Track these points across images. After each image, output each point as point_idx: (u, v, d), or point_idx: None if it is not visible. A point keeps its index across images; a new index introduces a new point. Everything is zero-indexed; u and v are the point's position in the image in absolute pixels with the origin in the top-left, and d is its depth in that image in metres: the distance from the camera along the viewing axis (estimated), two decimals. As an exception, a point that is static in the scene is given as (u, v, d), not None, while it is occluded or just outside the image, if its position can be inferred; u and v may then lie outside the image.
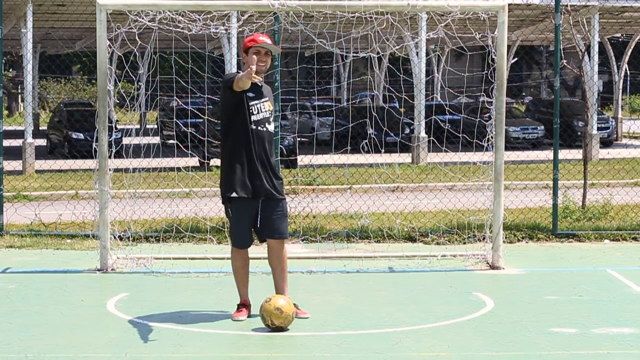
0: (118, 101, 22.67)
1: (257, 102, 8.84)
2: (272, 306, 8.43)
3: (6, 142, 15.99)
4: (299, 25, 12.08)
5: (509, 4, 16.84)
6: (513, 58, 29.00)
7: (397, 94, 14.29)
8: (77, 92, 55.47)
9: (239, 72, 8.82)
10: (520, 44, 42.31)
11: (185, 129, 14.21)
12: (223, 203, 8.95)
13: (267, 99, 8.95)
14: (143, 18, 11.50)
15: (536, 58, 68.14)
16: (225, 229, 13.12)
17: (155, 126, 37.92)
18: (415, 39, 26.72)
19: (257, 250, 12.90)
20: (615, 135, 38.85)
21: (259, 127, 8.81)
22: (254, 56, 8.67)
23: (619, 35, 41.45)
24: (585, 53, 19.28)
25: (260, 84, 8.92)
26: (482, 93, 12.12)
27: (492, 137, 11.72)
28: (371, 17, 11.79)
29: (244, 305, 8.97)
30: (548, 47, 58.73)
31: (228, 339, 8.30)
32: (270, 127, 8.91)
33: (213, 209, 14.88)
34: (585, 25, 17.93)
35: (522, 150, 31.68)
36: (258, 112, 8.83)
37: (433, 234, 13.52)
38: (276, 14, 12.57)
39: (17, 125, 39.67)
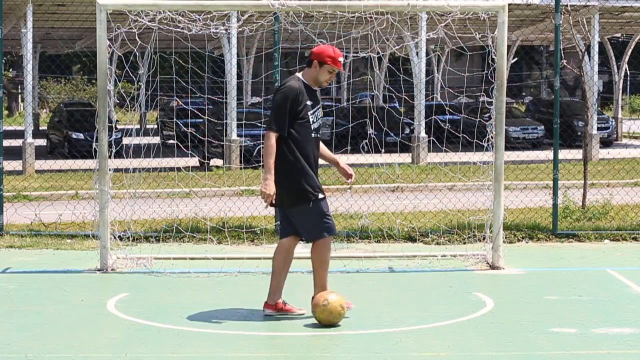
0: (118, 101, 22.68)
1: (314, 109, 8.93)
2: (339, 305, 8.59)
3: (6, 142, 15.99)
4: (299, 25, 12.08)
5: (509, 4, 16.83)
6: (513, 58, 29.06)
7: (397, 94, 14.30)
8: (77, 92, 55.48)
9: (297, 84, 8.85)
10: (520, 44, 42.33)
11: (185, 129, 14.22)
12: (297, 205, 8.88)
13: (320, 105, 9.09)
14: (143, 18, 11.50)
15: (536, 58, 68.16)
16: (226, 229, 13.15)
17: (155, 126, 37.94)
18: (415, 39, 26.73)
19: (257, 251, 12.92)
20: (615, 135, 38.86)
21: (317, 135, 8.99)
22: (268, 200, 8.73)
23: (619, 35, 41.46)
24: (585, 53, 19.28)
25: (315, 89, 9.03)
26: (482, 93, 12.12)
27: (492, 137, 11.72)
28: (371, 17, 11.79)
29: None
30: (548, 47, 58.74)
31: (228, 339, 8.30)
32: (321, 132, 9.12)
33: (213, 209, 14.89)
34: (585, 25, 17.94)
35: (522, 150, 31.68)
36: (315, 120, 8.96)
37: (433, 234, 13.52)
38: (276, 14, 12.57)
39: (17, 125, 39.69)
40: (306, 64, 9.07)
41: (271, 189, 8.70)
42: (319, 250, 8.98)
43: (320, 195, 8.86)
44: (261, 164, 9.32)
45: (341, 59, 9.01)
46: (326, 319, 8.58)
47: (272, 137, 8.76)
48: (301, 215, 8.90)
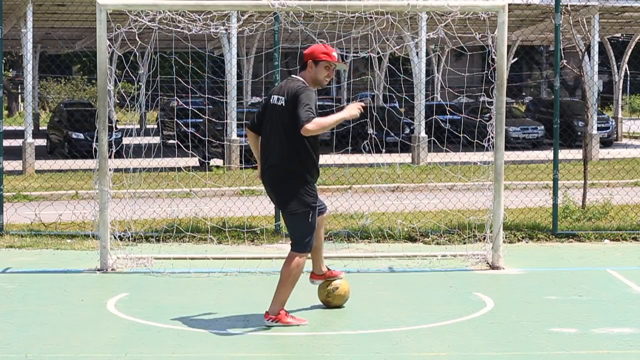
0: (118, 101, 22.69)
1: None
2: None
3: (6, 142, 16.00)
4: (299, 25, 12.08)
5: (509, 4, 16.83)
6: (513, 58, 29.01)
7: (397, 94, 14.30)
8: (77, 92, 55.48)
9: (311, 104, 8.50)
10: (520, 44, 42.32)
11: (186, 129, 14.23)
12: (299, 213, 8.59)
13: None
14: (143, 18, 11.50)
15: (536, 58, 68.15)
16: (226, 229, 13.14)
17: (155, 126, 37.95)
18: (415, 39, 26.73)
19: (258, 251, 12.91)
20: (615, 135, 38.86)
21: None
22: (354, 108, 8.48)
23: (619, 35, 41.44)
24: (585, 53, 19.28)
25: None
26: (482, 93, 12.13)
27: (492, 137, 11.73)
28: (371, 17, 11.79)
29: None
30: (548, 47, 58.74)
31: (228, 339, 8.30)
32: None
33: (213, 209, 14.89)
34: (585, 25, 17.93)
35: (522, 150, 31.68)
36: None
37: (433, 234, 13.52)
38: (276, 14, 12.57)
39: (17, 125, 39.69)
40: (300, 68, 8.82)
41: (353, 108, 8.45)
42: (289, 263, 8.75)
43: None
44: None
45: (335, 54, 8.79)
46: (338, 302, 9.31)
47: (313, 121, 8.35)
48: (293, 222, 8.67)
